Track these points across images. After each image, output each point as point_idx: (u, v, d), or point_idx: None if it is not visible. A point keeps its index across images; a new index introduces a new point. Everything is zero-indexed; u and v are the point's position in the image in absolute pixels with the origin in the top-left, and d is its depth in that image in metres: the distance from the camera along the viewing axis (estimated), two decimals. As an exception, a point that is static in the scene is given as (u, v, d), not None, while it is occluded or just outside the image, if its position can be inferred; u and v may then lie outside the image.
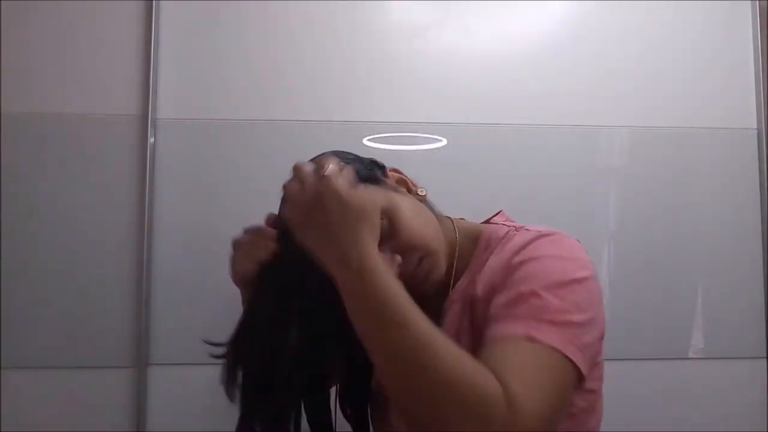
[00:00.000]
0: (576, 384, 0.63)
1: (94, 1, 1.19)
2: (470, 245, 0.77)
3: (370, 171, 0.75)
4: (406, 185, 0.79)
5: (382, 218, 0.66)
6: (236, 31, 1.21)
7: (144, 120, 1.17)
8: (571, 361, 0.61)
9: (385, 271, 0.60)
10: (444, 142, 1.22)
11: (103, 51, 1.19)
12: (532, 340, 0.60)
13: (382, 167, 0.79)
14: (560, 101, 1.24)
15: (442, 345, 0.56)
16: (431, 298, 0.72)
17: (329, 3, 1.22)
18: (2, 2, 1.17)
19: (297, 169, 0.64)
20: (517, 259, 0.68)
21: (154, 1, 1.18)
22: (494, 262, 0.71)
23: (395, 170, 0.80)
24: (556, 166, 1.23)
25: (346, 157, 0.74)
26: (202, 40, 1.20)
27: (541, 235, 0.71)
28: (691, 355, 1.22)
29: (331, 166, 0.62)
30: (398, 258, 0.66)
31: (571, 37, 1.26)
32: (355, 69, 1.22)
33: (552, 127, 1.23)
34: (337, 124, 1.20)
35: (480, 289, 0.71)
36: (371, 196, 0.64)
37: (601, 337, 0.70)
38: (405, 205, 0.72)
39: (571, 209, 1.23)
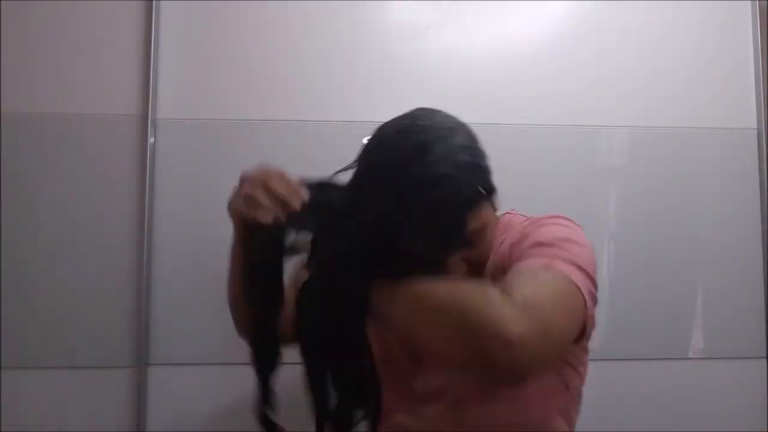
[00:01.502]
0: (580, 331, 0.62)
1: (94, 1, 1.19)
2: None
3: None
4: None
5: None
6: (236, 31, 1.21)
7: (144, 120, 1.17)
8: (582, 299, 0.60)
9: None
10: (444, 142, 1.22)
11: (103, 51, 1.19)
12: (548, 266, 0.61)
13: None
14: (560, 101, 1.24)
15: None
16: None
17: (329, 3, 1.22)
18: (2, 2, 1.17)
19: None
20: (532, 226, 0.71)
21: (154, 1, 1.18)
22: (510, 237, 0.74)
23: None
24: (556, 166, 1.23)
25: (476, 154, 0.77)
26: (202, 40, 1.20)
27: (552, 215, 0.74)
28: (691, 355, 1.22)
29: None
30: (464, 266, 0.71)
31: (571, 37, 1.26)
32: (355, 69, 1.22)
33: (552, 127, 1.23)
34: (337, 124, 1.20)
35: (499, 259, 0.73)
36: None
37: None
38: (491, 227, 0.75)
39: (571, 209, 1.19)
